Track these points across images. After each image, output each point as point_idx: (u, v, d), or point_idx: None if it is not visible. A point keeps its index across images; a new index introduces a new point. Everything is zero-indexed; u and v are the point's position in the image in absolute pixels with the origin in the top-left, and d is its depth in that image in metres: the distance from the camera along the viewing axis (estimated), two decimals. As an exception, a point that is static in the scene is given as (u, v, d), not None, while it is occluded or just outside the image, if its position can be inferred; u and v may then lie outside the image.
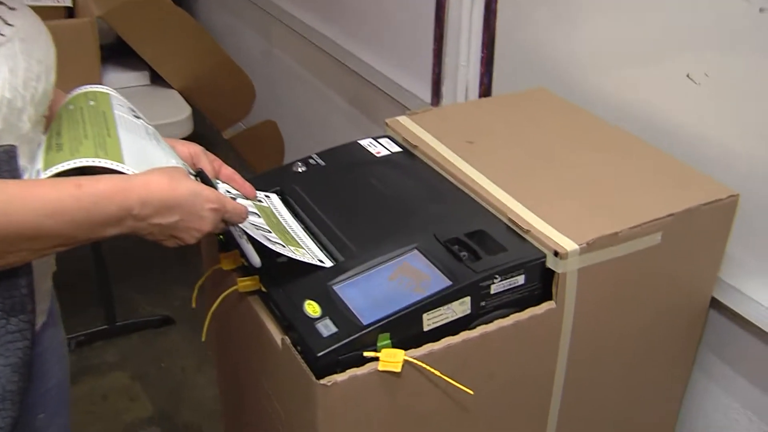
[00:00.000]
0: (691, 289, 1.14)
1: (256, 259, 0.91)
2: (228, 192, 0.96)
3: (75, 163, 0.79)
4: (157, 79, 2.23)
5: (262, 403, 1.06)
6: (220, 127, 2.29)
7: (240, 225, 0.89)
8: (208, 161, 0.95)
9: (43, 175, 0.78)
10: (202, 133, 2.47)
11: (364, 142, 1.26)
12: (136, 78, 2.25)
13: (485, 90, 1.64)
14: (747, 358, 1.22)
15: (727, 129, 1.14)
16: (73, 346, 2.20)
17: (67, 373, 1.07)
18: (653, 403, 1.24)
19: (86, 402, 2.04)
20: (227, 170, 0.98)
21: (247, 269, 1.01)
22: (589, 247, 0.96)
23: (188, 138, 2.10)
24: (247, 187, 1.00)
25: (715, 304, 1.19)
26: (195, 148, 0.95)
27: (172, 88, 2.20)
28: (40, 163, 0.80)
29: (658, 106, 1.24)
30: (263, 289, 0.98)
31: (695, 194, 1.06)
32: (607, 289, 1.02)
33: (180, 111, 2.11)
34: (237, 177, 0.99)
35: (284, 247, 0.95)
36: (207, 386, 2.12)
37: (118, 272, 2.34)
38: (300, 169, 1.20)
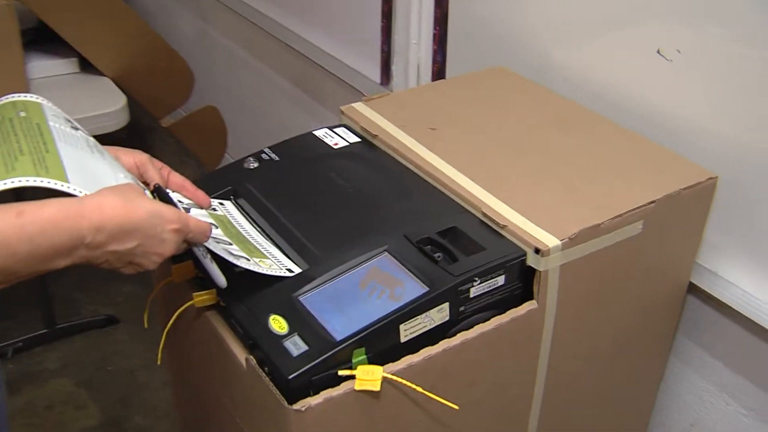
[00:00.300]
0: (670, 275, 1.10)
1: (221, 280, 0.84)
2: (180, 201, 0.87)
3: (12, 182, 0.69)
4: (87, 67, 2.08)
5: (226, 425, 0.98)
6: (157, 115, 2.17)
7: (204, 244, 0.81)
8: (155, 170, 0.87)
9: None
10: (139, 122, 2.33)
11: (319, 133, 1.18)
12: (63, 66, 2.09)
13: (439, 69, 1.57)
14: (723, 341, 1.19)
15: (701, 108, 1.10)
16: (11, 353, 2.07)
17: (3, 395, 0.97)
18: (631, 391, 1.20)
19: (28, 414, 1.91)
20: (177, 178, 0.90)
21: (202, 280, 0.93)
22: (571, 242, 0.90)
23: (124, 128, 1.99)
24: (200, 195, 0.92)
25: (692, 288, 1.16)
26: (140, 157, 0.87)
27: (104, 75, 2.06)
28: None
29: (627, 85, 1.19)
30: (221, 303, 0.90)
31: (675, 178, 1.01)
32: (587, 283, 0.97)
33: (114, 100, 1.97)
34: (188, 185, 0.91)
35: (248, 260, 0.86)
36: (159, 388, 2.02)
37: (54, 270, 2.20)
38: (252, 166, 1.11)
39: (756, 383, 1.17)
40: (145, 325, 0.93)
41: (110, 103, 1.95)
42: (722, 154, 1.08)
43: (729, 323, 1.17)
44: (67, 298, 2.27)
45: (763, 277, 1.10)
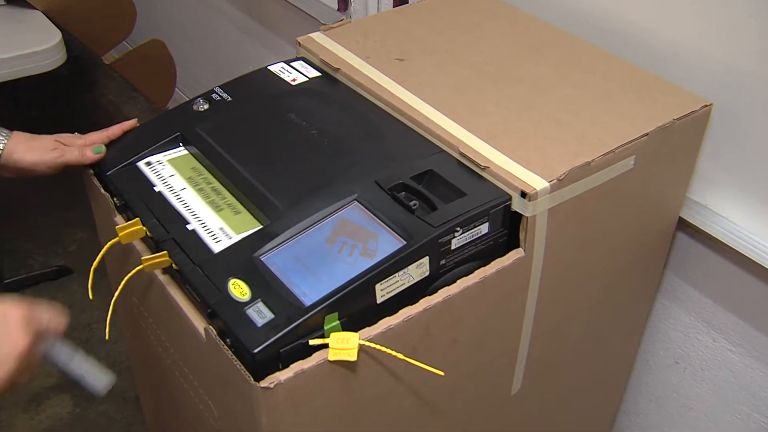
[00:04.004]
0: (661, 211, 1.03)
1: (101, 383, 0.70)
2: None
3: None
4: (14, -1, 1.91)
5: (190, 396, 0.90)
6: (98, 52, 2.00)
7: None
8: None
9: None
10: (81, 57, 2.17)
11: (274, 68, 1.06)
12: (-15, -3, 1.91)
13: (401, -8, 1.45)
14: (711, 277, 1.13)
15: (689, 28, 1.01)
16: (-43, 312, 1.95)
17: None
18: (617, 332, 1.15)
19: (-20, 375, 1.81)
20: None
21: (154, 240, 0.83)
22: (560, 183, 0.81)
23: (64, 65, 1.82)
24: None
25: (681, 224, 1.09)
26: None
27: (35, 8, 1.88)
28: None
29: (609, 3, 1.09)
30: (175, 266, 0.80)
31: (666, 107, 0.92)
32: (576, 226, 0.89)
33: (48, 37, 1.79)
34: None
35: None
36: (118, 339, 1.91)
37: (-2, 220, 2.08)
38: (202, 108, 1.00)
39: (744, 319, 1.12)
40: (90, 297, 0.83)
41: (43, 40, 1.77)
42: (713, 79, 1.00)
43: (718, 258, 1.11)
44: (13, 250, 2.14)
45: (753, 208, 1.04)
